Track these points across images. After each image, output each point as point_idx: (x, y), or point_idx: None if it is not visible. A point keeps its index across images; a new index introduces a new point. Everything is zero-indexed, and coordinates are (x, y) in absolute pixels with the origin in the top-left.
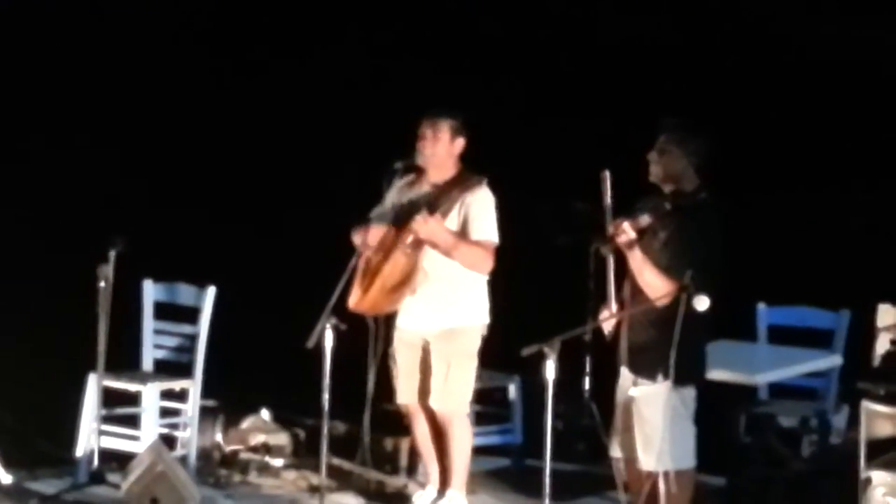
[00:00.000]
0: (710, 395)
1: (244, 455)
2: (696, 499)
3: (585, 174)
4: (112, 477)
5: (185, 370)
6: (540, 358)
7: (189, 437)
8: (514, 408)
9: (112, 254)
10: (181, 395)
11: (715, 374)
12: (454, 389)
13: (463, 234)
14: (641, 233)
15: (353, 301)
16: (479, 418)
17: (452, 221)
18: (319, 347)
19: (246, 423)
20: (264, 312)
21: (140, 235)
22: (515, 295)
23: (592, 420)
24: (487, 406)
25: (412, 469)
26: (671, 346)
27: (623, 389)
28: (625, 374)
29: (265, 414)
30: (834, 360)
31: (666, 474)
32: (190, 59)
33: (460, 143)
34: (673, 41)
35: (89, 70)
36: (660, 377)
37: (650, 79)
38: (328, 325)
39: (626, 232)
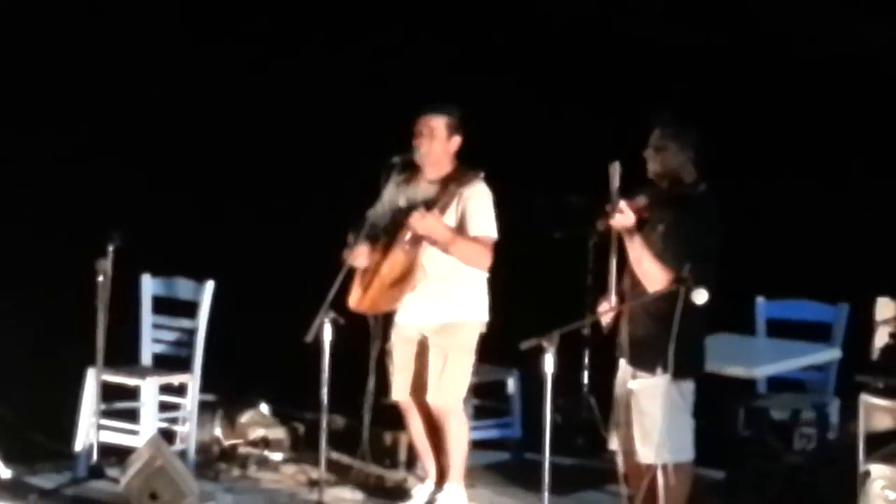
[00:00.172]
0: (709, 388)
1: (243, 449)
2: (695, 492)
3: (582, 168)
4: (111, 471)
5: (183, 365)
6: (538, 352)
7: (188, 431)
8: (513, 402)
9: (110, 248)
10: (180, 390)
11: (714, 368)
12: (450, 384)
13: (461, 229)
14: (641, 221)
15: (354, 300)
16: (478, 412)
17: (450, 217)
18: (318, 342)
19: (245, 418)
20: (263, 307)
21: (138, 230)
22: (514, 289)
23: (591, 413)
24: (486, 400)
25: (411, 463)
26: (670, 340)
27: (622, 383)
28: (623, 367)
29: (264, 408)
30: (833, 354)
31: (664, 467)
32: (190, 53)
33: (457, 140)
34: (670, 34)
35: (88, 64)
36: (659, 370)
37: (649, 72)
38: (327, 320)
39: (623, 211)
